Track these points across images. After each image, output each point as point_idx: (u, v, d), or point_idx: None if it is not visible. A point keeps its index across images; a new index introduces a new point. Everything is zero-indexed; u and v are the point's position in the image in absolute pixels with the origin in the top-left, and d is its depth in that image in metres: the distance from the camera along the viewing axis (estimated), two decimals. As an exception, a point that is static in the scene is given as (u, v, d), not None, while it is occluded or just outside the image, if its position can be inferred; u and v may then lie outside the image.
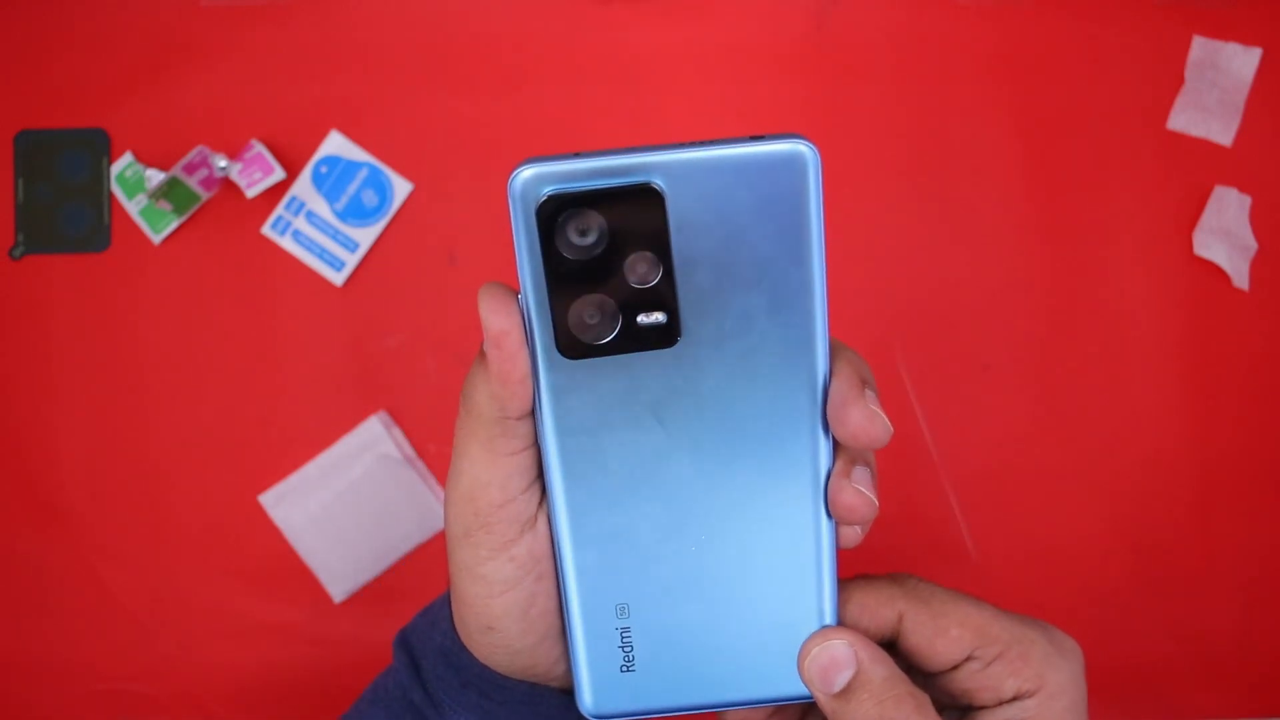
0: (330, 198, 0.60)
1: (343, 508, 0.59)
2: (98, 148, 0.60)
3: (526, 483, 0.34)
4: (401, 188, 0.60)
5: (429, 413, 0.60)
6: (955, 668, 0.35)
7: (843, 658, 0.34)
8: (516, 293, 0.32)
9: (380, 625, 0.60)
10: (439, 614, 0.39)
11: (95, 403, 0.60)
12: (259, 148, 0.59)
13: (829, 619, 0.35)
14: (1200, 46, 0.60)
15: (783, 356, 0.32)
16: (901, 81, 0.61)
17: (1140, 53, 0.61)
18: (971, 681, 0.35)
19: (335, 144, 0.60)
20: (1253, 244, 0.60)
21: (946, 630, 0.35)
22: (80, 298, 0.60)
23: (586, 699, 0.35)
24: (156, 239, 0.60)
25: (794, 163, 0.30)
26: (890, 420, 0.33)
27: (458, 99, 0.60)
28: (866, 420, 0.32)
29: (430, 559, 0.60)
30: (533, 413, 0.33)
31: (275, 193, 0.60)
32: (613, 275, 0.31)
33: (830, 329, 0.33)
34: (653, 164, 0.30)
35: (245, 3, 0.60)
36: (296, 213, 0.60)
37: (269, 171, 0.59)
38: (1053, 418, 0.61)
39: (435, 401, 0.60)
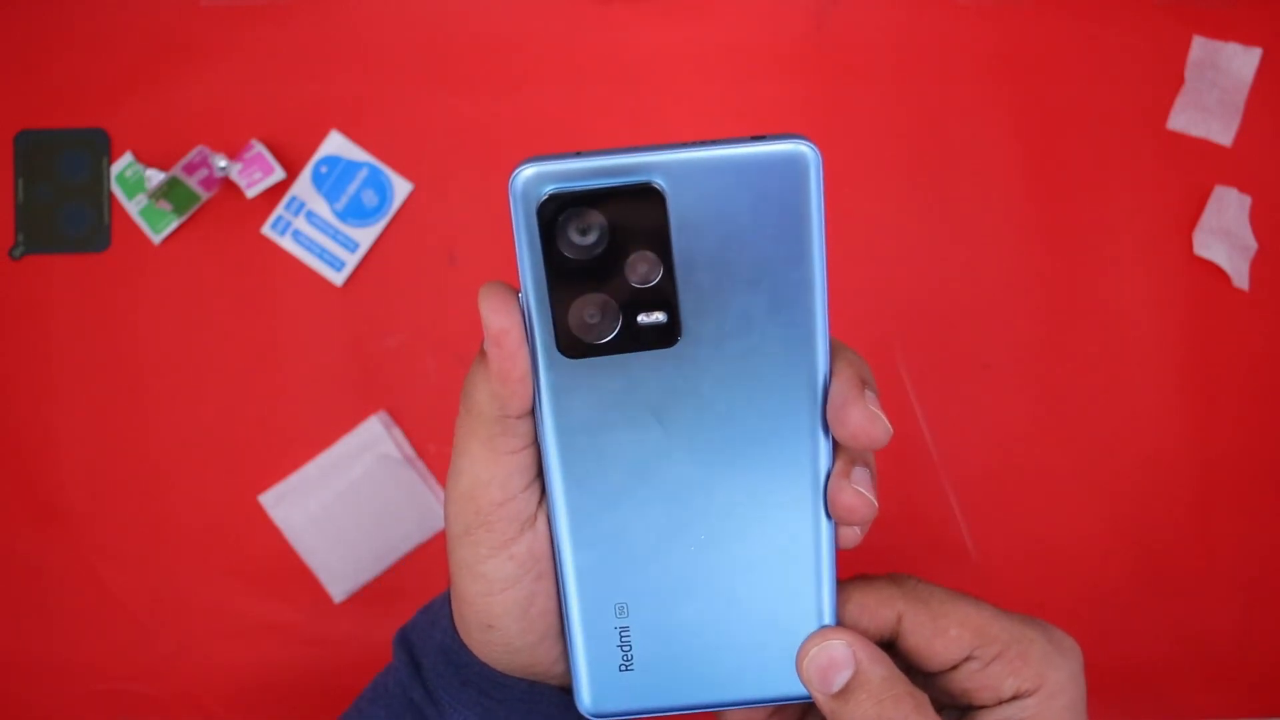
0: (330, 198, 0.60)
1: (343, 508, 0.59)
2: (98, 148, 0.60)
3: (526, 481, 0.34)
4: (401, 188, 0.60)
5: (429, 413, 0.60)
6: (954, 668, 0.35)
7: (841, 658, 0.34)
8: (517, 292, 0.32)
9: (380, 625, 0.60)
10: (439, 612, 0.39)
11: (95, 403, 0.60)
12: (259, 148, 0.59)
13: (828, 619, 0.35)
14: (1200, 46, 0.60)
15: (783, 357, 0.32)
16: (901, 81, 0.61)
17: (1140, 53, 0.61)
18: (971, 681, 0.35)
19: (335, 144, 0.60)
20: (1253, 244, 0.60)
21: (945, 630, 0.35)
22: (80, 298, 0.60)
23: (585, 698, 0.35)
24: (156, 239, 0.60)
25: (795, 163, 0.31)
26: (890, 421, 0.33)
27: (458, 99, 0.60)
28: (866, 421, 0.32)
29: (430, 559, 0.60)
30: (533, 412, 0.33)
31: (275, 193, 0.60)
32: (613, 275, 0.31)
33: (830, 329, 0.33)
34: (654, 164, 0.30)
35: (245, 3, 0.60)
36: (296, 213, 0.60)
37: (269, 171, 0.59)
38: (1053, 418, 0.61)
39: (435, 401, 0.60)
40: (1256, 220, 0.60)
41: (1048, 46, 0.61)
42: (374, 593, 0.60)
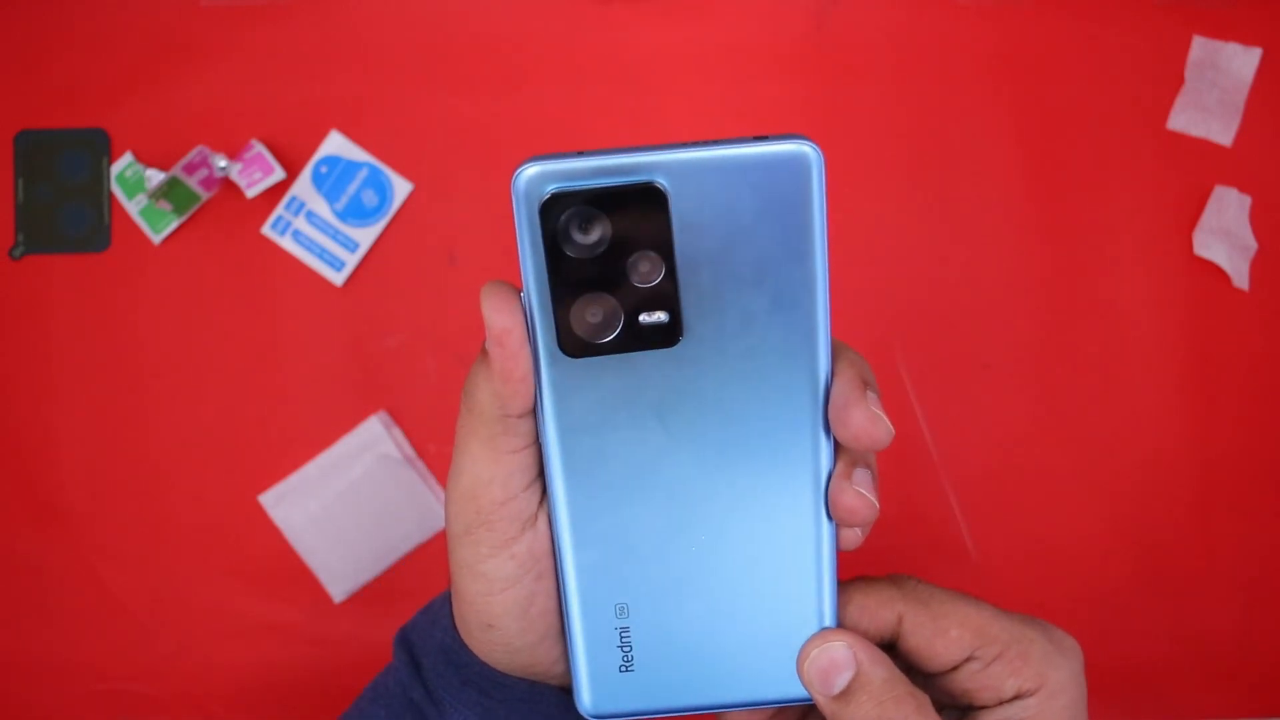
0: (330, 198, 0.60)
1: (343, 508, 0.59)
2: (98, 148, 0.60)
3: (527, 481, 0.34)
4: (401, 188, 0.60)
5: (429, 413, 0.60)
6: (955, 668, 0.35)
7: (842, 660, 0.34)
8: (519, 291, 0.32)
9: (380, 625, 0.60)
10: (440, 612, 0.39)
11: (95, 403, 0.60)
12: (259, 148, 0.59)
13: (828, 621, 0.35)
14: (1200, 46, 0.60)
15: (784, 357, 0.32)
16: (901, 81, 0.61)
17: (1140, 53, 0.61)
18: (972, 682, 0.35)
19: (335, 144, 0.60)
20: (1253, 244, 0.60)
21: (946, 631, 0.35)
22: (80, 298, 0.60)
23: (585, 699, 0.35)
24: (156, 239, 0.60)
25: (798, 163, 0.31)
26: (890, 421, 0.33)
27: (458, 99, 0.60)
28: (868, 422, 0.32)
29: (430, 559, 0.60)
30: (534, 411, 0.33)
31: (275, 193, 0.60)
32: (615, 274, 0.31)
33: (832, 329, 0.33)
34: (656, 163, 0.30)
35: (245, 3, 0.60)
36: (296, 213, 0.60)
37: (269, 171, 0.59)
38: (1053, 418, 0.61)
39: (435, 401, 0.60)
40: (1256, 220, 0.60)
41: (1048, 46, 0.61)
42: (374, 593, 0.60)
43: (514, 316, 0.31)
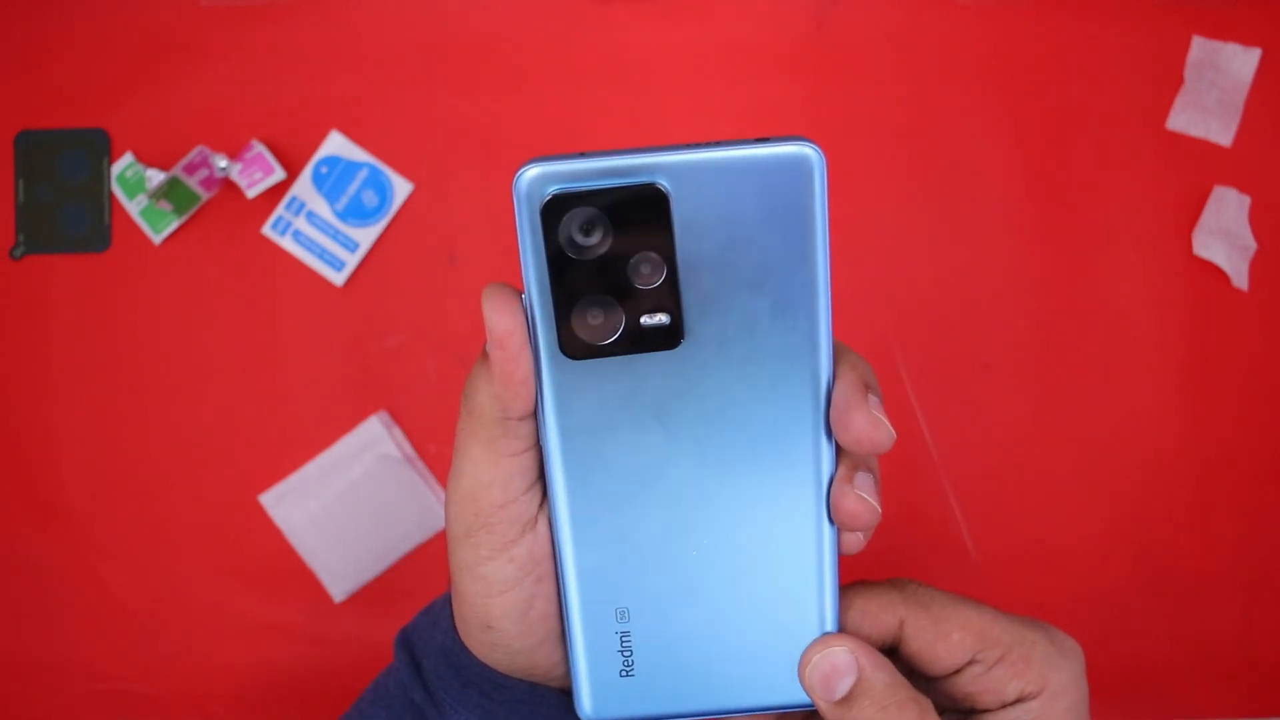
0: (330, 198, 0.60)
1: (343, 508, 0.59)
2: (98, 148, 0.60)
3: (528, 483, 0.34)
4: (401, 188, 0.60)
5: (429, 413, 0.60)
6: (957, 672, 0.35)
7: (844, 665, 0.34)
8: (520, 293, 0.32)
9: (380, 625, 0.60)
10: (440, 613, 0.39)
11: (95, 403, 0.60)
12: (259, 148, 0.59)
13: (830, 626, 0.35)
14: (1200, 46, 0.60)
15: (786, 360, 0.32)
16: (901, 81, 0.61)
17: (1140, 53, 0.61)
18: (974, 685, 0.35)
19: (335, 144, 0.60)
20: (1252, 244, 0.60)
21: (948, 635, 0.35)
22: (80, 298, 0.60)
23: (585, 703, 0.35)
24: (157, 239, 0.60)
25: (800, 165, 0.30)
26: (891, 423, 0.32)
27: (458, 99, 0.60)
28: (870, 426, 0.32)
29: (430, 559, 0.60)
30: (535, 413, 0.33)
31: (275, 193, 0.60)
32: (617, 276, 0.31)
33: (833, 331, 0.33)
34: (658, 164, 0.30)
35: (245, 3, 0.60)
36: (297, 213, 0.60)
37: (269, 171, 0.59)
38: (1053, 418, 0.61)
39: (435, 401, 0.60)
40: (1256, 220, 0.60)
41: (1048, 46, 0.61)
42: (374, 593, 0.60)
43: (515, 318, 0.31)
